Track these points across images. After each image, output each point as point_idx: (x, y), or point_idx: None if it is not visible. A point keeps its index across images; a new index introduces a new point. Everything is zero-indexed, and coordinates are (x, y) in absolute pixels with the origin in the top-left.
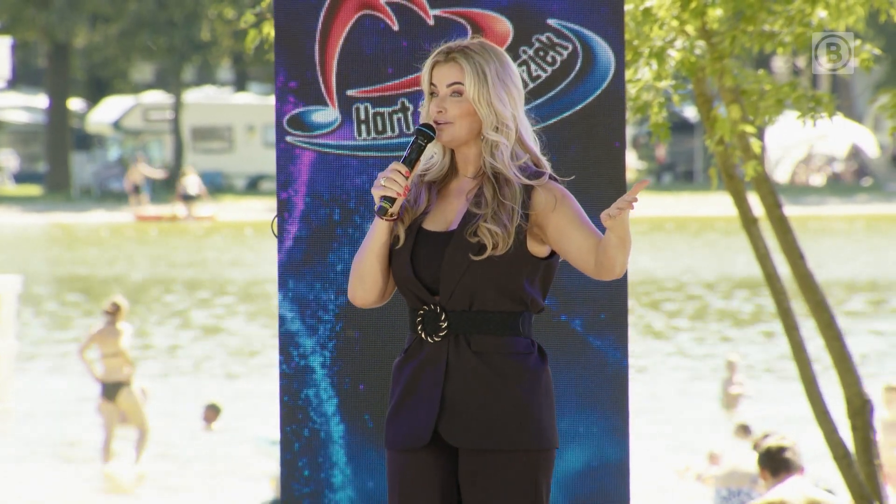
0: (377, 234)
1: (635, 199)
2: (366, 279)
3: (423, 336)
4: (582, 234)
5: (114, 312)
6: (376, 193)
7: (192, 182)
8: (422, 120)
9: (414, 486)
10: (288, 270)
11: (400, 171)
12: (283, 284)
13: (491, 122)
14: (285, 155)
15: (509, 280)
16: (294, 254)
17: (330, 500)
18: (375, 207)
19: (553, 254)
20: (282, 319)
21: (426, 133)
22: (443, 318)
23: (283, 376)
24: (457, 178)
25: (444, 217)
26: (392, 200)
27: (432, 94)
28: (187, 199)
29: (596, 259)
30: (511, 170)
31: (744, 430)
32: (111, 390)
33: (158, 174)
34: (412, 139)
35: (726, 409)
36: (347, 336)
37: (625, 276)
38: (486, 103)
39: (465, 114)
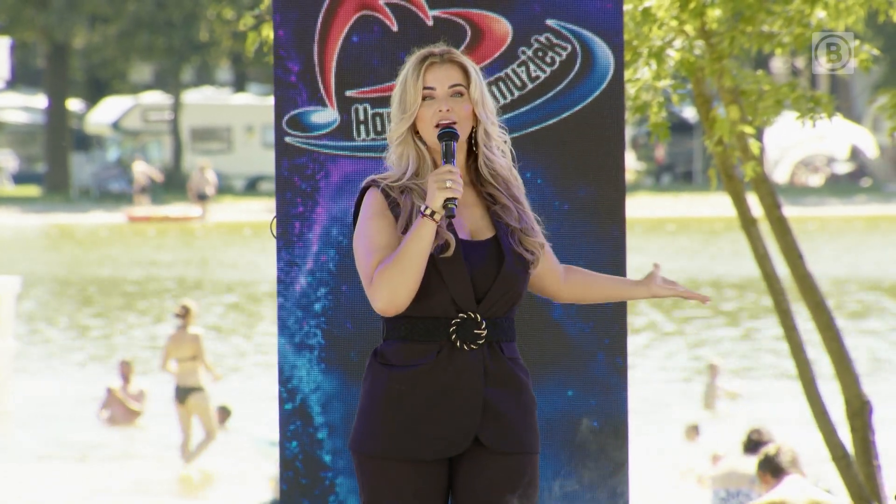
0: (427, 238)
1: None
2: (409, 286)
3: (457, 344)
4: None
5: (184, 315)
6: (442, 196)
7: (208, 180)
8: (396, 136)
9: (432, 495)
10: (287, 271)
11: (456, 173)
12: (282, 285)
13: (489, 120)
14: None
15: (525, 288)
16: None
17: (329, 500)
18: (440, 212)
19: None
20: (281, 320)
21: (453, 132)
22: (482, 326)
23: (282, 378)
24: None
25: (466, 226)
26: (456, 202)
27: (426, 97)
28: (202, 198)
29: (572, 286)
30: (513, 172)
31: (694, 430)
32: (182, 393)
33: (157, 175)
34: (443, 144)
35: (707, 410)
36: (348, 337)
37: (624, 273)
38: (484, 103)
39: (468, 115)
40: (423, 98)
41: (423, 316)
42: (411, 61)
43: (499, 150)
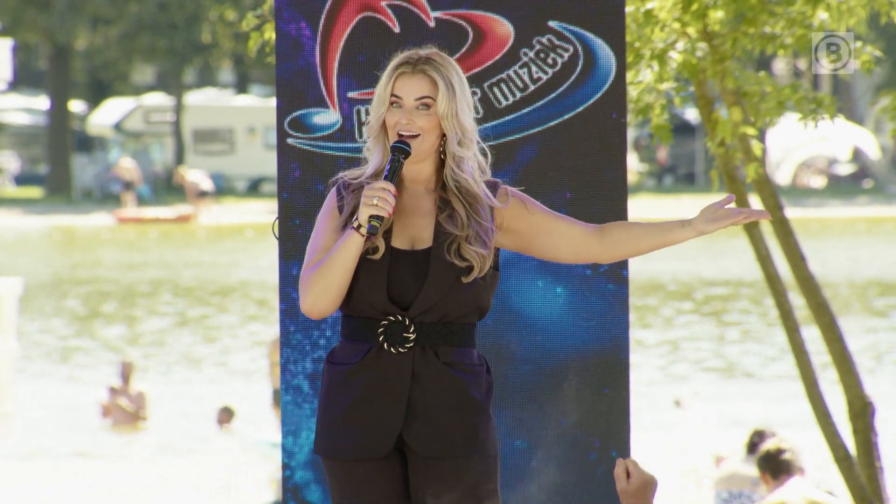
0: (353, 248)
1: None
2: (333, 291)
3: (384, 346)
4: (565, 224)
5: None
6: (367, 212)
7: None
8: (371, 131)
9: (370, 493)
10: (289, 272)
11: (389, 190)
12: (284, 287)
13: (457, 137)
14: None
15: (482, 295)
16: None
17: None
18: (365, 227)
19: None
20: (283, 322)
21: (404, 149)
22: (411, 329)
23: (285, 379)
24: (406, 192)
25: (409, 233)
26: (381, 219)
27: (393, 104)
28: (202, 195)
29: (613, 244)
30: (480, 186)
31: (678, 403)
32: (277, 397)
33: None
34: (391, 157)
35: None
36: None
37: (626, 276)
38: (453, 117)
39: (433, 127)
40: (391, 104)
41: (359, 316)
42: (390, 65)
43: (469, 166)
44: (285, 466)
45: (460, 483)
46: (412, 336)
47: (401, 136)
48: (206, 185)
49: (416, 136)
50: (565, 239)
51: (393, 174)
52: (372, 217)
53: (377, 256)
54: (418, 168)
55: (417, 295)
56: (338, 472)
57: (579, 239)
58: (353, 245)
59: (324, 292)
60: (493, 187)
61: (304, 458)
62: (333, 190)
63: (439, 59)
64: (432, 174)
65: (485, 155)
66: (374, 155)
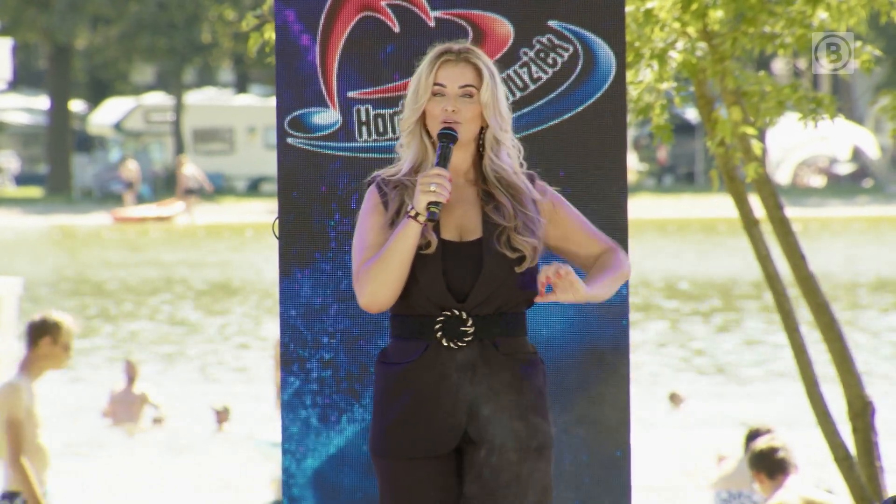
0: (411, 239)
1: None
2: (392, 285)
3: (442, 342)
4: (585, 237)
5: None
6: (425, 199)
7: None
8: (406, 124)
9: (428, 492)
10: (289, 272)
11: (444, 176)
12: (283, 287)
13: (499, 125)
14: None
15: (531, 284)
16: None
17: (331, 502)
18: (424, 214)
19: None
20: (283, 322)
21: (452, 135)
22: (469, 323)
23: (285, 379)
24: None
25: (455, 224)
26: (440, 205)
27: (436, 93)
28: (189, 193)
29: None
30: (520, 177)
31: (677, 397)
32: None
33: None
34: (440, 145)
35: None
36: (349, 338)
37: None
38: (494, 106)
39: (475, 116)
40: (434, 94)
41: (411, 314)
42: (429, 55)
43: (507, 156)
44: (286, 485)
45: (527, 474)
46: (470, 329)
47: (445, 123)
48: (195, 183)
49: (459, 125)
50: (583, 255)
51: (445, 160)
52: (431, 203)
53: (431, 251)
54: (459, 158)
55: (473, 287)
56: (396, 473)
57: (592, 258)
58: (411, 234)
59: (384, 285)
60: (529, 179)
61: (304, 480)
62: (373, 187)
63: (477, 50)
64: (471, 165)
65: (517, 149)
66: (409, 150)
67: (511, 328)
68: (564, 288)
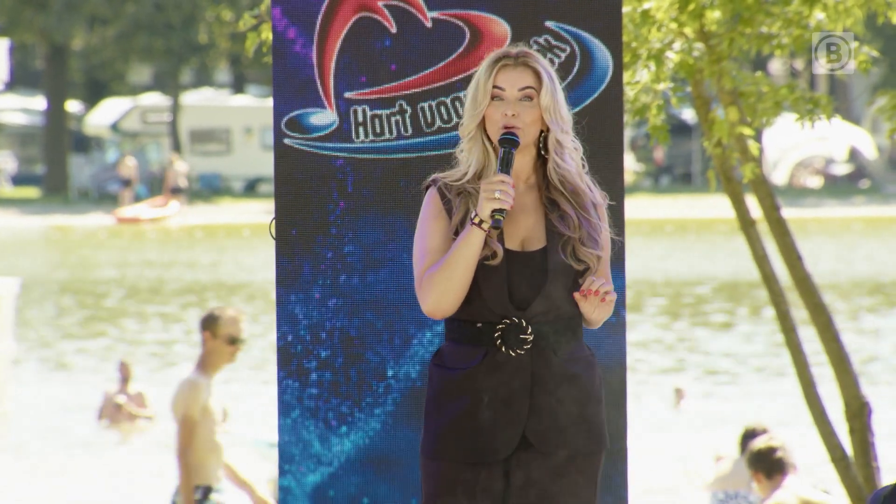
0: (475, 247)
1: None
2: (455, 293)
3: (502, 349)
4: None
5: None
6: (489, 206)
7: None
8: (465, 130)
9: (480, 495)
10: (286, 273)
11: (508, 183)
12: (280, 288)
13: (560, 127)
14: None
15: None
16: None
17: (329, 502)
18: (488, 222)
19: None
20: (280, 322)
21: (514, 140)
22: (528, 331)
23: (282, 379)
24: None
25: (518, 233)
26: (504, 212)
27: (495, 97)
28: (176, 191)
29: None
30: (583, 178)
31: (679, 393)
32: None
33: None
34: (502, 150)
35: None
36: (347, 338)
37: (623, 276)
38: (555, 109)
39: (535, 119)
40: (493, 98)
41: (471, 320)
42: (487, 59)
43: (570, 158)
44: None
45: (587, 479)
46: (530, 337)
47: (506, 127)
48: (184, 182)
49: (520, 129)
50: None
51: (507, 166)
52: (495, 211)
53: (496, 262)
54: (519, 163)
55: (536, 297)
56: (445, 475)
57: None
58: (475, 242)
59: (447, 292)
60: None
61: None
62: (434, 191)
63: (535, 54)
64: (532, 170)
65: (578, 150)
66: (471, 156)
67: (569, 334)
68: (599, 308)
